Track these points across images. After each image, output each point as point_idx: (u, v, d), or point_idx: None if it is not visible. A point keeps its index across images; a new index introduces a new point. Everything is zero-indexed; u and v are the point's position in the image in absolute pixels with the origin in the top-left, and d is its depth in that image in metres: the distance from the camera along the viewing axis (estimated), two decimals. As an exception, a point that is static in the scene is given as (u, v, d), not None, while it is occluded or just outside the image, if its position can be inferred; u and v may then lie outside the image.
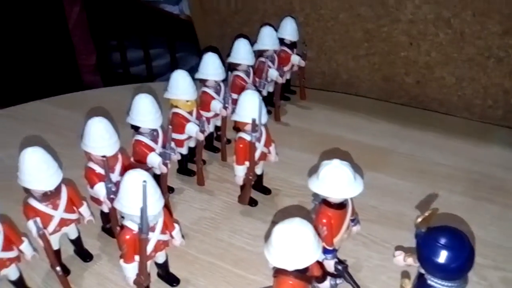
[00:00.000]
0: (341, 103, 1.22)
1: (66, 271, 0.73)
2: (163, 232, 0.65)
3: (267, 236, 0.56)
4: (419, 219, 0.55)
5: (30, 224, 0.65)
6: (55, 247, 0.70)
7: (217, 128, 1.03)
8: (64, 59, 2.52)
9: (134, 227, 0.62)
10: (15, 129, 1.14)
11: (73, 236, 0.76)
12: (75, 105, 1.24)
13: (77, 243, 0.77)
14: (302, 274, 0.55)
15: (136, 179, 0.59)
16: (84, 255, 0.78)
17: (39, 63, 2.34)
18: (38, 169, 0.64)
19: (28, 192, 0.67)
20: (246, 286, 0.73)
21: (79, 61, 2.63)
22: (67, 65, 2.54)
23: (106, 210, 0.79)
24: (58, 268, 0.68)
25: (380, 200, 0.89)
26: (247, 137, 0.81)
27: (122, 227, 0.63)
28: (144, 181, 0.57)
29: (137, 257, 0.63)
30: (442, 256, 0.51)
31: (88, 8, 2.59)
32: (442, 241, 0.51)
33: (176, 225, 0.68)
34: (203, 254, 0.78)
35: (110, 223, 0.80)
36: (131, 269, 0.64)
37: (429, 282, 0.54)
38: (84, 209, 0.73)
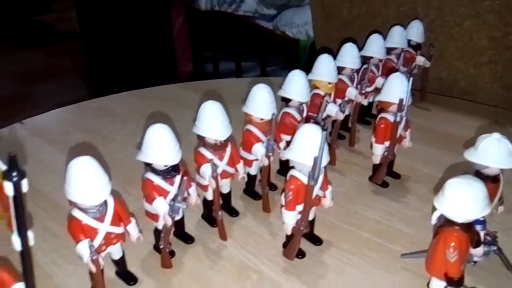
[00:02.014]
0: (460, 107, 1.23)
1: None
2: (321, 188, 0.71)
3: (438, 189, 0.60)
4: None
5: (205, 168, 0.73)
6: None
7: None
8: (166, 64, 2.70)
9: (301, 177, 0.67)
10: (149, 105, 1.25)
11: (226, 190, 0.83)
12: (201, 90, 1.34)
13: (227, 198, 0.84)
14: (467, 228, 0.59)
15: (312, 131, 0.66)
16: (231, 211, 0.85)
17: (145, 63, 2.52)
18: (216, 120, 0.72)
19: (201, 140, 0.75)
20: (385, 253, 0.76)
21: (178, 67, 2.81)
22: (168, 69, 2.71)
23: (253, 172, 0.87)
24: (219, 213, 0.76)
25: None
26: (390, 117, 0.85)
27: (290, 176, 0.69)
28: (324, 130, 0.63)
29: (298, 207, 0.69)
30: None
31: (190, 19, 2.77)
32: None
33: (329, 186, 0.73)
34: (342, 223, 0.83)
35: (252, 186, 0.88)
36: (292, 217, 0.69)
37: None
38: (240, 166, 0.80)
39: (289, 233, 0.71)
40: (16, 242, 0.45)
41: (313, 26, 1.58)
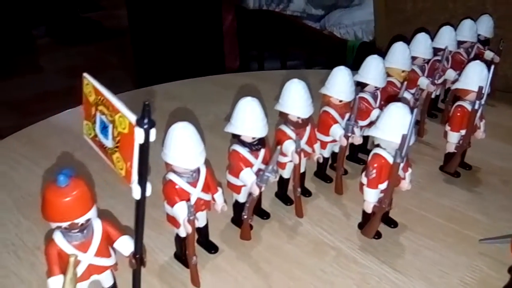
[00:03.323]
0: (528, 105, 1.21)
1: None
2: (402, 169, 0.71)
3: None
4: None
5: (288, 143, 0.75)
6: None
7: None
8: (214, 60, 2.74)
9: (386, 155, 0.68)
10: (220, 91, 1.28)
11: (301, 170, 0.84)
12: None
13: (302, 178, 0.85)
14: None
15: (401, 109, 0.66)
16: (305, 191, 0.86)
17: (194, 59, 2.57)
18: (300, 97, 0.74)
19: (283, 117, 0.77)
20: (462, 238, 0.76)
21: (225, 63, 2.85)
22: (216, 66, 2.75)
23: (326, 155, 0.88)
24: (299, 189, 0.77)
25: None
26: (467, 105, 0.85)
27: (374, 155, 0.70)
28: (413, 110, 0.64)
29: (380, 185, 0.70)
30: None
31: (238, 18, 2.81)
32: None
33: (409, 169, 0.73)
34: (415, 208, 0.83)
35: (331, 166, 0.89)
36: (374, 195, 0.70)
37: None
38: (317, 146, 0.82)
39: (369, 211, 0.72)
40: (136, 190, 0.47)
41: (375, 22, 1.58)
